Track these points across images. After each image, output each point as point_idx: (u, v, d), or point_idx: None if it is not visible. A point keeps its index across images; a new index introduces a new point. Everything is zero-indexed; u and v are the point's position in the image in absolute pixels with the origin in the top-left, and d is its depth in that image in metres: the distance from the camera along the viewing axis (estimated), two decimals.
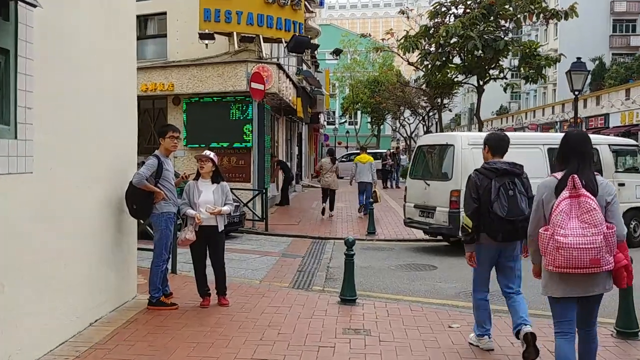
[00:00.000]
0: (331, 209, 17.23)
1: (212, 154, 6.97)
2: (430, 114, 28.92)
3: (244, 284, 8.40)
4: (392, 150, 34.67)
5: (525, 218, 4.85)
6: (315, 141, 41.29)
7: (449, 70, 17.49)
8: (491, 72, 17.58)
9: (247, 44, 16.05)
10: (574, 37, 51.60)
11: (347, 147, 59.63)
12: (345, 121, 61.72)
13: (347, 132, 61.25)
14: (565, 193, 3.92)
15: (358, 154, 19.59)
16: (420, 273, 9.76)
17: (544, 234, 3.95)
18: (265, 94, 15.68)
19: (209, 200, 6.80)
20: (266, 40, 16.80)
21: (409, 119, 35.09)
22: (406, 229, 13.74)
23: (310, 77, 19.93)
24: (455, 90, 23.70)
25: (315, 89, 24.11)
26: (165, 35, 17.77)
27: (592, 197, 3.91)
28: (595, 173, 4.09)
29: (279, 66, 16.44)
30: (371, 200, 14.39)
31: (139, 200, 6.62)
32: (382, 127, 57.04)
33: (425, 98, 27.49)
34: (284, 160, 20.11)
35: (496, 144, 5.36)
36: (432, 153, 12.53)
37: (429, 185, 11.69)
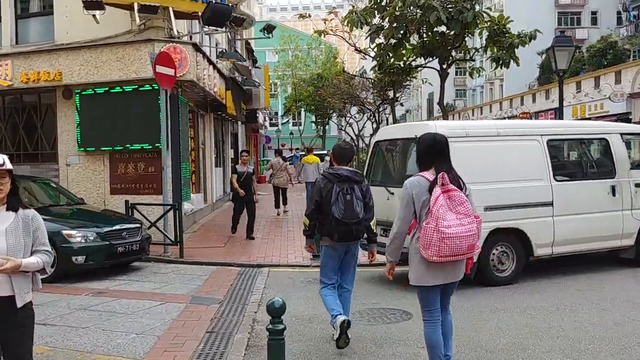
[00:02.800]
0: (284, 203, 17.87)
1: (6, 160, 3.60)
2: (380, 109, 26.06)
3: None
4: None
5: (359, 221, 5.69)
6: (255, 143, 37.82)
7: (405, 52, 14.48)
8: (454, 53, 14.69)
9: (150, 16, 12.56)
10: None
11: (291, 150, 56.35)
12: (288, 121, 58.39)
13: (291, 133, 58.01)
14: (437, 189, 4.30)
15: (304, 155, 19.79)
16: (390, 328, 6.61)
17: (428, 227, 4.25)
18: (177, 82, 12.36)
19: None
20: (179, 16, 13.40)
21: (356, 117, 32.18)
22: (361, 251, 10.57)
23: (237, 59, 16.48)
24: (410, 80, 20.77)
25: (247, 79, 20.67)
26: (52, 12, 14.08)
27: (460, 190, 4.38)
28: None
29: (196, 47, 13.05)
30: None
31: None
32: (327, 127, 54.05)
33: (374, 91, 24.51)
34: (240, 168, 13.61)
35: (339, 154, 5.99)
36: (394, 151, 9.44)
37: (392, 194, 8.59)
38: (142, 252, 10.31)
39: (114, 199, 13.19)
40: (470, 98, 68.07)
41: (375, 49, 14.28)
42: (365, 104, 27.43)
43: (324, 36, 17.58)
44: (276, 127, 55.28)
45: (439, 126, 8.27)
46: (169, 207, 11.41)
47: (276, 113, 60.14)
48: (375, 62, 14.75)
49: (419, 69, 15.37)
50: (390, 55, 14.14)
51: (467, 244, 4.26)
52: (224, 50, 16.67)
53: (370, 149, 9.94)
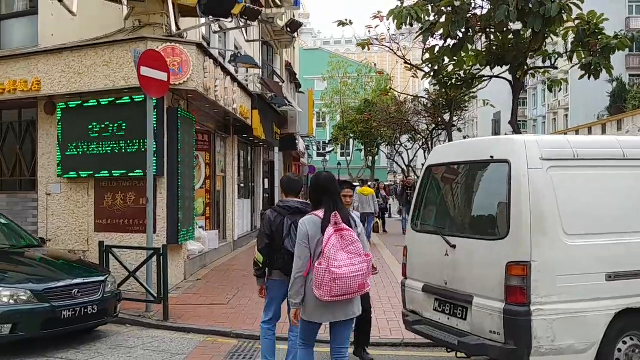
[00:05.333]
0: None
1: None
2: (434, 135, 22.92)
3: None
4: (388, 183, 28.66)
5: None
6: (297, 173, 35.13)
7: (465, 59, 11.50)
8: (529, 60, 11.59)
9: (139, 4, 9.98)
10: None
11: (339, 182, 53.38)
12: (333, 149, 55.66)
13: (339, 163, 55.15)
14: (330, 229, 4.39)
15: (359, 186, 19.65)
16: None
17: (320, 268, 4.31)
18: (179, 92, 9.79)
19: None
20: (186, 12, 10.84)
21: (406, 145, 29.06)
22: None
23: (252, 63, 13.65)
24: (469, 99, 17.64)
25: (276, 96, 17.95)
26: (36, 12, 11.78)
27: (352, 230, 4.49)
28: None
29: (202, 48, 10.41)
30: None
31: None
32: (377, 157, 50.99)
33: (427, 115, 21.46)
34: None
35: (287, 186, 5.72)
36: (456, 181, 6.38)
37: (453, 247, 5.55)
38: (105, 314, 7.53)
39: (100, 237, 10.55)
40: (531, 129, 63.81)
41: (428, 54, 11.36)
42: (418, 130, 24.37)
43: (369, 49, 14.84)
44: (322, 157, 52.48)
45: (529, 141, 5.23)
46: (151, 252, 8.66)
47: (324, 142, 57.59)
48: (427, 66, 11.77)
49: (485, 79, 12.28)
50: (447, 60, 11.17)
51: (357, 283, 4.37)
52: (238, 54, 13.96)
53: (420, 179, 6.89)
